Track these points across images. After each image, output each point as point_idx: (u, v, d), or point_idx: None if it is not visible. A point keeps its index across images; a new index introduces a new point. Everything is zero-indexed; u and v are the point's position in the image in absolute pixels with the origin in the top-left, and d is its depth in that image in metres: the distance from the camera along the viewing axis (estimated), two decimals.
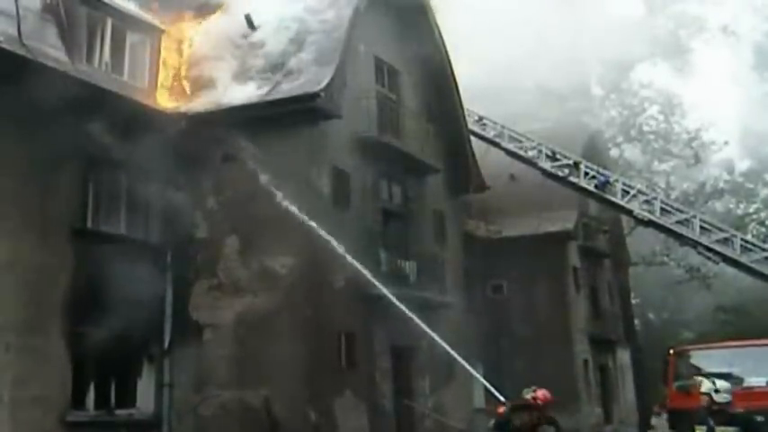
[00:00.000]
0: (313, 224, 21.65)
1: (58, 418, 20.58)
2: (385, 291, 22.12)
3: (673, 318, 64.67)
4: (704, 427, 12.93)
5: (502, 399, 15.47)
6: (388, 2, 29.20)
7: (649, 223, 34.30)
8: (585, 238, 43.00)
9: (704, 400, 13.05)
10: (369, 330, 25.42)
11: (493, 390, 18.62)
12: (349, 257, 22.04)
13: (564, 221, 39.46)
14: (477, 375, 21.19)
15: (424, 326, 21.88)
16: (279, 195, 21.74)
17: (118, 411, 22.68)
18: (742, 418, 12.60)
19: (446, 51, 31.92)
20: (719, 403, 12.75)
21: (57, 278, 20.95)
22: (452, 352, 21.68)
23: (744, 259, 31.88)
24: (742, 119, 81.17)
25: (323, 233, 21.68)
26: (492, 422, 15.65)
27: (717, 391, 12.81)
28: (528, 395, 14.16)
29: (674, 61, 67.42)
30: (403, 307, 21.60)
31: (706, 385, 13.12)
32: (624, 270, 52.05)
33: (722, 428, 12.50)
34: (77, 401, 21.43)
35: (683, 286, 58.37)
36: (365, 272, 22.48)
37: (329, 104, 24.08)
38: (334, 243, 21.77)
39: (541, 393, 14.19)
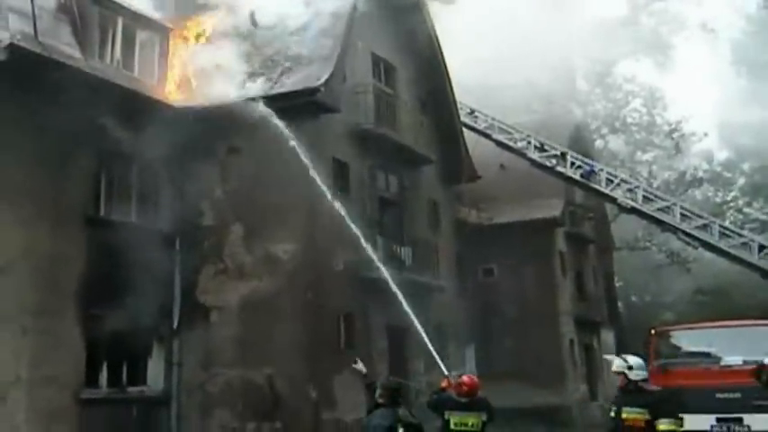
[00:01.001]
0: (341, 210, 21.64)
1: (73, 395, 20.72)
2: (383, 269, 22.03)
3: (654, 300, 64.64)
4: (614, 408, 11.38)
5: (446, 373, 14.75)
6: (384, 1, 29.21)
7: (632, 210, 34.33)
8: (572, 224, 42.95)
9: (620, 379, 11.41)
10: (366, 312, 25.48)
11: (442, 364, 18.65)
12: (363, 241, 21.98)
13: (551, 209, 39.45)
14: (432, 349, 20.97)
15: (401, 298, 21.64)
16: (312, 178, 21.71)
17: (129, 389, 22.83)
18: (656, 398, 10.85)
19: (440, 48, 31.97)
20: (634, 381, 11.21)
21: (71, 264, 21.05)
22: (416, 322, 21.49)
23: (722, 244, 31.94)
24: (720, 111, 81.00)
25: (345, 216, 21.68)
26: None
27: (630, 368, 11.24)
28: (453, 380, 13.51)
29: (656, 57, 67.68)
30: (394, 285, 21.50)
31: (617, 363, 11.54)
32: (608, 255, 52.07)
33: (628, 410, 10.89)
34: (91, 380, 21.56)
35: (665, 270, 58.51)
36: (373, 256, 22.44)
37: (329, 98, 24.14)
38: (353, 226, 21.71)
39: (467, 378, 13.21)
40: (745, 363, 21.57)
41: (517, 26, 39.80)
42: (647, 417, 10.57)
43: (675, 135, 60.23)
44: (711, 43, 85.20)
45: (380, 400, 12.00)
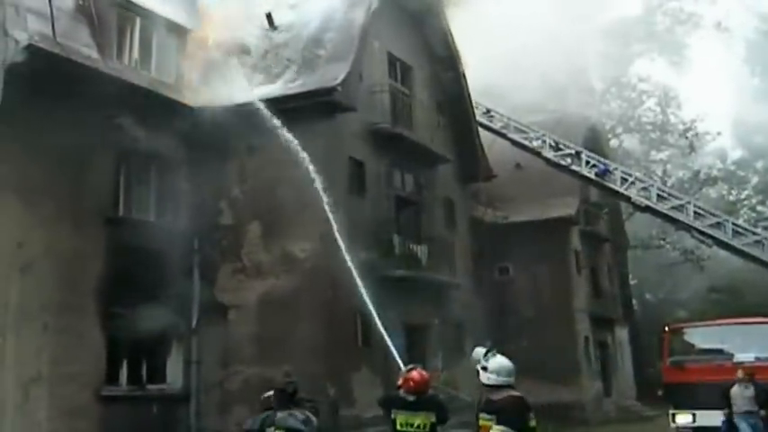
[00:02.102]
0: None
1: (94, 393, 20.73)
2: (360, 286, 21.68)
3: (668, 297, 64.46)
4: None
5: (403, 368, 13.34)
6: (400, 1, 29.15)
7: (646, 209, 34.20)
8: (587, 222, 42.90)
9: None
10: (383, 310, 25.33)
11: (398, 358, 18.44)
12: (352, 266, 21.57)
13: (566, 207, 39.34)
14: (387, 339, 20.65)
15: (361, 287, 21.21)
16: (317, 182, 21.50)
17: (149, 386, 22.86)
18: (500, 406, 8.68)
19: (455, 47, 31.84)
20: (486, 385, 8.91)
21: (91, 263, 21.05)
22: (374, 312, 21.19)
23: (735, 242, 31.75)
24: (734, 110, 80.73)
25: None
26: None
27: (485, 368, 8.89)
28: (401, 376, 11.76)
29: (671, 56, 67.34)
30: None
31: (474, 357, 9.19)
32: (623, 253, 51.99)
33: (482, 415, 8.82)
34: (111, 378, 21.59)
35: (678, 268, 58.30)
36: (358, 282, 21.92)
37: (345, 98, 24.09)
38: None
39: (416, 373, 11.59)
40: (758, 359, 21.53)
41: (532, 26, 39.69)
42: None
43: (689, 134, 59.88)
44: (725, 42, 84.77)
45: (273, 404, 10.45)
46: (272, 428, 9.97)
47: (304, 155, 21.57)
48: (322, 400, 22.18)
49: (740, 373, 20.07)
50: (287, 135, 21.84)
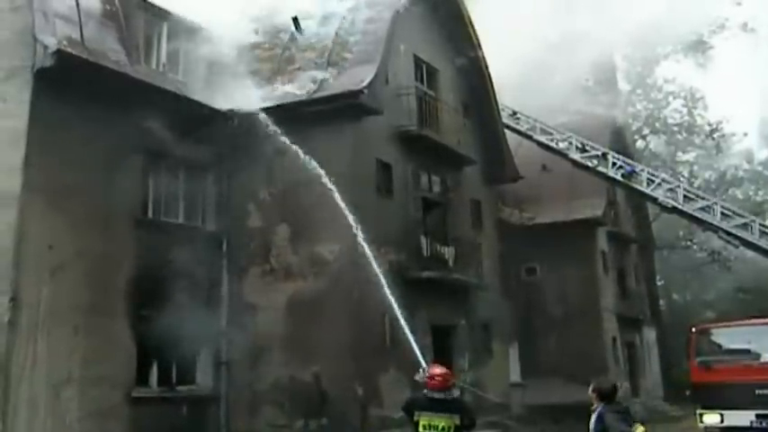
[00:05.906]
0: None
1: (124, 394, 20.74)
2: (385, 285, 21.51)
3: (695, 298, 64.29)
4: None
5: (424, 367, 12.67)
6: (426, 4, 29.08)
7: (673, 210, 34.01)
8: (613, 224, 42.76)
9: None
10: (411, 311, 25.24)
11: (421, 359, 18.29)
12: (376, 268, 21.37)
13: (593, 209, 39.25)
14: (412, 341, 20.37)
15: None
16: (335, 192, 21.41)
17: (179, 388, 22.84)
18: None
19: (481, 50, 31.68)
20: None
21: (121, 265, 21.04)
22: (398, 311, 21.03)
23: (762, 243, 31.57)
24: (761, 111, 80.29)
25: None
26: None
27: None
28: (425, 373, 11.45)
29: (697, 57, 66.90)
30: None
31: None
32: (650, 254, 51.82)
33: None
34: (141, 379, 21.61)
35: (705, 268, 58.17)
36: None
37: (372, 101, 23.99)
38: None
39: (439, 369, 11.38)
40: None
41: (558, 27, 39.51)
42: None
43: (716, 135, 59.69)
44: (752, 43, 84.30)
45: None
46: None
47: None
48: (351, 399, 22.31)
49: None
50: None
